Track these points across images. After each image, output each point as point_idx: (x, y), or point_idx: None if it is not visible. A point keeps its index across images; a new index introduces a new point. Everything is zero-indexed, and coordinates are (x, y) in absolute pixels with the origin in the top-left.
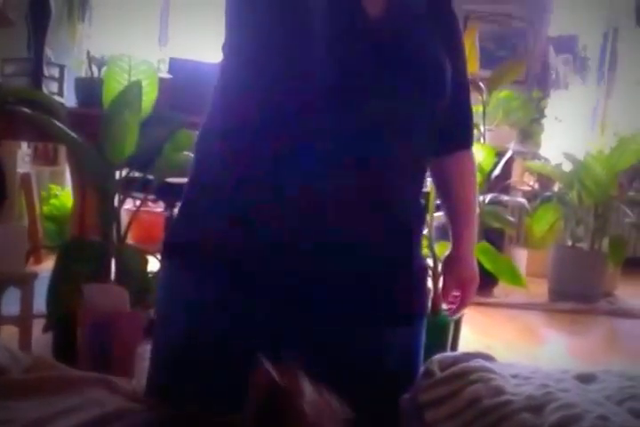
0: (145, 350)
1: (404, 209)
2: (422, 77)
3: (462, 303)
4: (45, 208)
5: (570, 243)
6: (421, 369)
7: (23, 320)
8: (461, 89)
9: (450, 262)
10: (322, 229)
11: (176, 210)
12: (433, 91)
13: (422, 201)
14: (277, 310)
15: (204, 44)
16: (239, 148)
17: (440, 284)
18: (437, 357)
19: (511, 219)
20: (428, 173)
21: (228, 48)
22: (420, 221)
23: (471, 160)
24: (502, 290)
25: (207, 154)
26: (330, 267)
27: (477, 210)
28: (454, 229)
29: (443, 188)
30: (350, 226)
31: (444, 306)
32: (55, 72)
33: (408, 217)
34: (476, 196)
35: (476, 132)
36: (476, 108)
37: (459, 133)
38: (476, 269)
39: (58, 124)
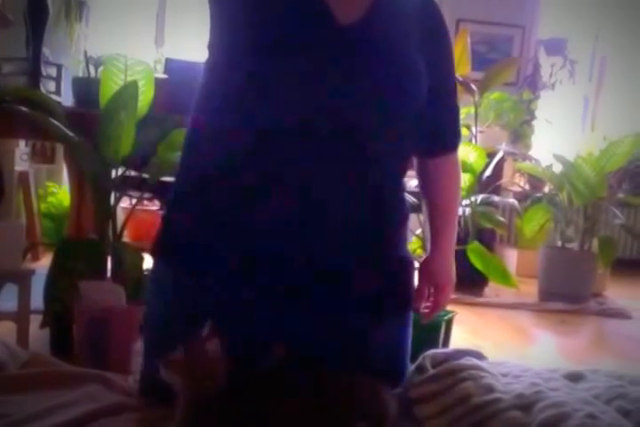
0: (140, 346)
1: (380, 204)
2: (390, 85)
3: (436, 307)
4: (43, 206)
5: (560, 243)
6: (413, 365)
7: (20, 316)
8: (446, 94)
9: (426, 268)
10: (300, 226)
11: None
12: (400, 98)
13: (409, 200)
14: (263, 304)
15: (201, 45)
16: (214, 147)
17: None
18: (429, 353)
19: (502, 219)
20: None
21: (210, 47)
22: (399, 216)
23: (454, 165)
24: (493, 290)
25: (188, 156)
26: (312, 261)
27: (459, 213)
28: (432, 235)
29: (425, 190)
30: (327, 220)
31: (421, 309)
32: (53, 71)
33: (385, 211)
34: (457, 202)
35: (467, 133)
36: (468, 110)
37: (441, 138)
38: (453, 273)
39: (55, 122)
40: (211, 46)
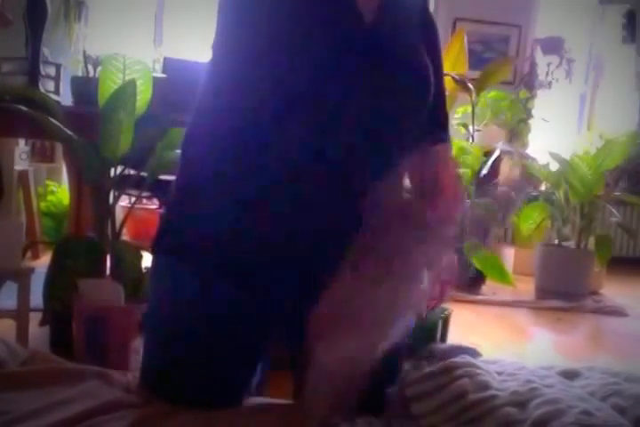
0: (139, 343)
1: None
2: (412, 81)
3: (440, 298)
4: (43, 205)
5: (556, 241)
6: (409, 362)
7: (20, 314)
8: (440, 90)
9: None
10: (306, 226)
11: None
12: (420, 93)
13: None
14: (267, 299)
15: (198, 44)
16: (227, 148)
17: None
18: (425, 350)
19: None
20: None
21: (220, 48)
22: None
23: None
24: (490, 288)
25: (195, 153)
26: (311, 259)
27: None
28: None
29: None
30: (329, 220)
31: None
32: (52, 71)
33: None
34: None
35: (464, 131)
36: (465, 109)
37: (437, 134)
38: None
39: (54, 122)
40: (226, 47)
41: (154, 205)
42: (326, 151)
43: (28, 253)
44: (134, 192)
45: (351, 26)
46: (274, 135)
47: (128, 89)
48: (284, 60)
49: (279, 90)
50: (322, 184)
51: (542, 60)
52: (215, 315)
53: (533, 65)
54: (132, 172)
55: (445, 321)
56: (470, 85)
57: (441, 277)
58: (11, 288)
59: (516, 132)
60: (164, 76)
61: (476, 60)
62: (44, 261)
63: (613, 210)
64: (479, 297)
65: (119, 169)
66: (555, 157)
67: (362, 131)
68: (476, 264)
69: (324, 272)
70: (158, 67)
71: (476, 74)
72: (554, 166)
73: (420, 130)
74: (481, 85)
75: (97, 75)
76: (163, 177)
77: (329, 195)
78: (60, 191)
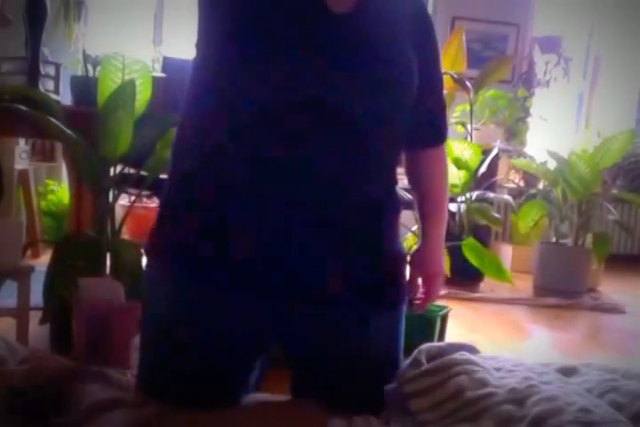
0: (138, 342)
1: (375, 198)
2: (385, 75)
3: (427, 297)
4: (43, 203)
5: (554, 239)
6: (407, 359)
7: (20, 313)
8: (434, 88)
9: (417, 258)
10: (294, 222)
11: None
12: (395, 89)
13: (404, 196)
14: (258, 299)
15: None
16: (204, 145)
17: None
18: (424, 347)
19: (497, 216)
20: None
21: (197, 46)
22: (392, 209)
23: (442, 158)
24: (488, 285)
25: (178, 152)
26: (306, 257)
27: (447, 207)
28: (423, 226)
29: (414, 184)
30: (320, 214)
31: (413, 300)
32: (51, 70)
33: (380, 205)
34: (446, 193)
35: (462, 130)
36: (463, 107)
37: (429, 131)
38: (443, 264)
39: (54, 121)
40: (199, 44)
41: (154, 203)
42: (296, 145)
43: (28, 252)
44: (134, 191)
45: (310, 14)
46: (240, 134)
47: (127, 89)
48: (243, 59)
49: (237, 86)
50: (292, 178)
51: (540, 59)
52: (206, 315)
53: (531, 64)
54: (132, 171)
55: (443, 319)
56: (468, 84)
57: (428, 277)
58: (11, 287)
59: (514, 130)
60: (163, 75)
61: (474, 58)
62: (44, 260)
63: (611, 208)
64: (477, 294)
65: (119, 168)
66: (553, 155)
67: (330, 122)
68: (475, 262)
69: (314, 273)
70: (158, 66)
71: (474, 72)
72: (552, 165)
73: (411, 128)
74: (479, 84)
75: (96, 74)
76: (163, 176)
77: (300, 188)
78: (60, 190)
